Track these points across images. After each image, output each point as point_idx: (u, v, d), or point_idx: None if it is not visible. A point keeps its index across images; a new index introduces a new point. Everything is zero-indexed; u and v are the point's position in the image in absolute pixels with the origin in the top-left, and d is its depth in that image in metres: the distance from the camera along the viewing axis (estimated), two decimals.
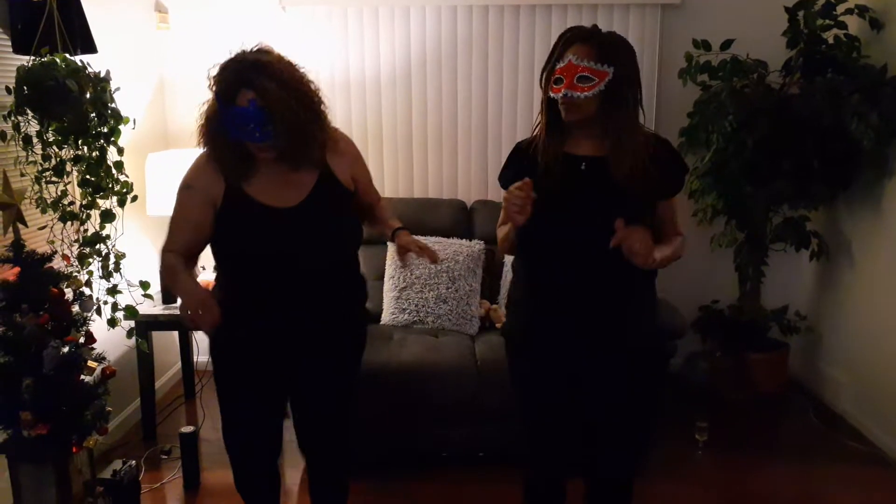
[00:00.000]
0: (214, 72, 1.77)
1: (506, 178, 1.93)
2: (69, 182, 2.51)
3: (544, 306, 1.91)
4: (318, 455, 2.19)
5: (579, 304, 1.86)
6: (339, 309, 2.00)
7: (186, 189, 1.90)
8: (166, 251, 1.90)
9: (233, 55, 1.79)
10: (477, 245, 3.35)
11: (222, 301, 1.80)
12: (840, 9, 3.17)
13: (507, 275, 3.35)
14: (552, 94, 1.80)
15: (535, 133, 1.92)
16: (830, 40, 3.24)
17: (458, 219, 3.57)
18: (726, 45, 3.32)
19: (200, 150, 1.92)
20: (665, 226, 1.89)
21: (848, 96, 3.05)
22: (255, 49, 1.80)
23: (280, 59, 1.80)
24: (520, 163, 1.93)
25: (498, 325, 3.26)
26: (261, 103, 1.71)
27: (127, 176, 2.66)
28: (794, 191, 3.29)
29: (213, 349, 2.03)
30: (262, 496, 2.17)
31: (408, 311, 3.20)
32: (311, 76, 1.88)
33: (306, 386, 2.06)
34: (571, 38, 1.79)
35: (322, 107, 1.87)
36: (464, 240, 3.39)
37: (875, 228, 3.25)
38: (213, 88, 1.78)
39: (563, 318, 1.88)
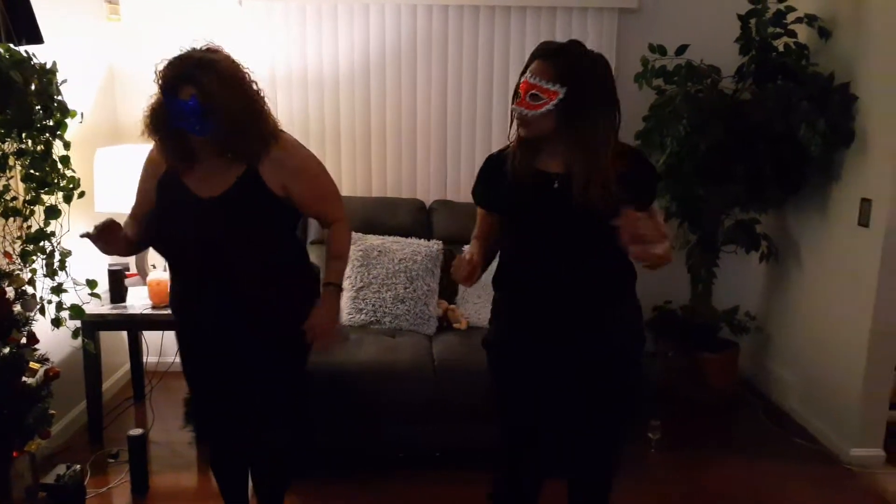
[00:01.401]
0: (161, 66, 1.86)
1: (478, 194, 1.99)
2: (12, 177, 2.42)
3: (516, 317, 1.96)
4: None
5: (544, 317, 1.89)
6: (256, 303, 2.02)
7: (146, 164, 2.08)
8: (129, 217, 2.12)
9: (181, 52, 1.87)
10: (435, 245, 3.34)
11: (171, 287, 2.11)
12: (790, 17, 3.26)
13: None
14: (511, 107, 1.82)
15: (509, 144, 1.92)
16: (781, 48, 3.32)
17: (416, 218, 3.56)
18: (681, 50, 3.38)
19: (151, 145, 2.02)
20: None
21: (797, 103, 3.13)
22: (203, 48, 1.89)
23: (226, 58, 1.89)
24: (490, 176, 1.93)
25: (455, 326, 3.25)
26: (201, 98, 1.80)
27: (74, 171, 2.58)
28: (746, 194, 3.36)
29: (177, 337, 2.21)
30: (229, 474, 2.28)
31: (365, 311, 3.17)
32: (262, 72, 1.94)
33: (241, 371, 2.09)
34: (536, 53, 1.79)
35: (265, 107, 1.95)
36: (422, 239, 3.38)
37: (821, 232, 3.35)
38: (159, 82, 1.85)
39: (530, 325, 1.92)
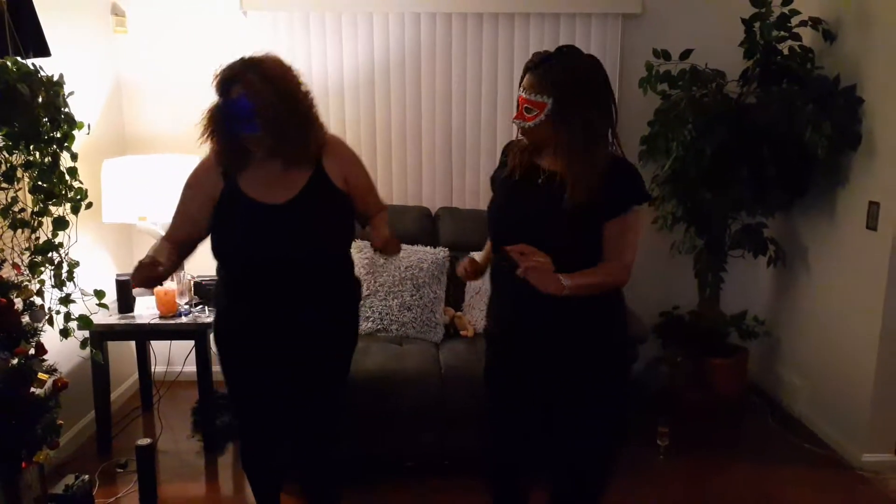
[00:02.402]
0: (218, 69, 1.92)
1: (493, 175, 2.08)
2: (20, 188, 2.43)
3: (493, 306, 2.05)
4: (308, 446, 2.31)
5: (515, 309, 1.93)
6: (328, 304, 2.09)
7: (188, 188, 2.08)
8: (163, 240, 2.07)
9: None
10: (441, 252, 3.34)
11: (222, 297, 2.09)
12: (794, 21, 3.24)
13: (472, 282, 3.34)
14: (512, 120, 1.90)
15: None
16: (785, 51, 3.31)
17: (422, 226, 3.56)
18: (685, 54, 3.38)
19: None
20: (605, 249, 1.84)
21: (802, 106, 3.12)
22: (262, 54, 1.96)
23: (274, 60, 1.95)
24: (503, 161, 2.02)
25: (462, 333, 3.25)
26: (248, 97, 1.85)
27: (81, 182, 2.60)
28: (752, 198, 3.35)
29: (217, 340, 2.16)
30: (264, 475, 2.32)
31: (371, 319, 3.17)
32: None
33: (303, 376, 2.14)
34: (527, 66, 1.84)
35: (312, 109, 1.99)
36: (428, 247, 3.38)
37: (829, 235, 3.33)
38: (215, 83, 1.91)
39: (505, 318, 1.98)
